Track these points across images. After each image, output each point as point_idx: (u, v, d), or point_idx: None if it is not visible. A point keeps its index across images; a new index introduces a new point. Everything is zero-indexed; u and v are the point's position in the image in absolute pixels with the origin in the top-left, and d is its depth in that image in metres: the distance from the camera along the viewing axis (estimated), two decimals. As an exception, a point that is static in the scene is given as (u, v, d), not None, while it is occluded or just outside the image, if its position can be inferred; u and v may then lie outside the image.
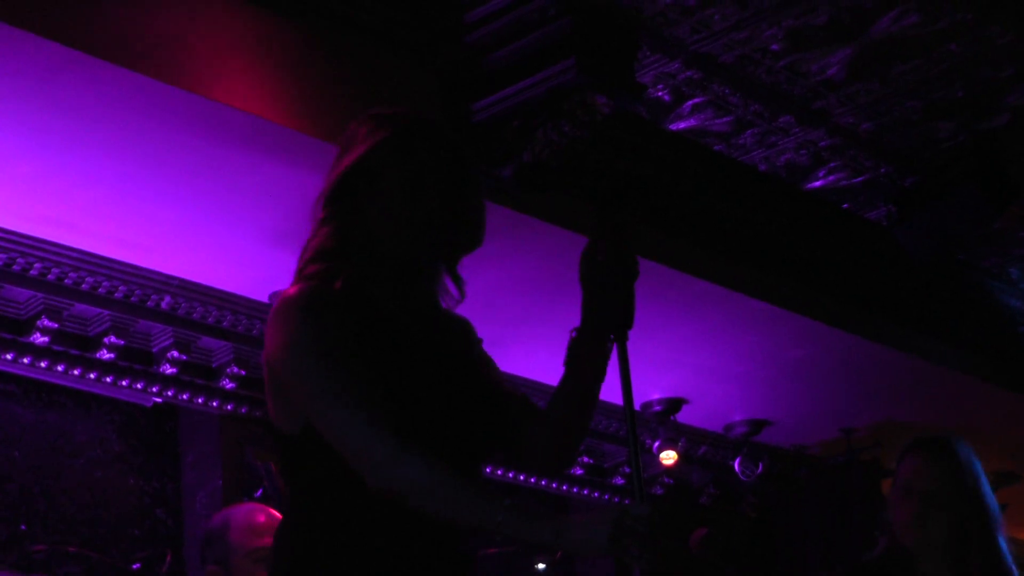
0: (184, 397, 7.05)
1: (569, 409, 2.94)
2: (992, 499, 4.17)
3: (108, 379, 6.77)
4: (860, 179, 7.67)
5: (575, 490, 9.06)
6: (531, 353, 7.90)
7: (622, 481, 9.21)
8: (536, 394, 8.57)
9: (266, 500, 6.21)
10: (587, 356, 3.02)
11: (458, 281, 3.12)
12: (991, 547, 4.11)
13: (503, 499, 2.74)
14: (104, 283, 6.55)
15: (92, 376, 6.72)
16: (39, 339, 6.50)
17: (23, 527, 6.44)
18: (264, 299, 6.97)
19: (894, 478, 4.23)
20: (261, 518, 5.01)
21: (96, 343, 6.69)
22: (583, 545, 2.70)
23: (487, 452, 3.01)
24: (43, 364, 6.57)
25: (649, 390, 8.62)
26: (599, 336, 2.95)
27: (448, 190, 3.03)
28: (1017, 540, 4.25)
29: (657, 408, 8.72)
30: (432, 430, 2.85)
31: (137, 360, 6.86)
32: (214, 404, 7.11)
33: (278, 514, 5.12)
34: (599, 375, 3.01)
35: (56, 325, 6.52)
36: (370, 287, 2.95)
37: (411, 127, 3.06)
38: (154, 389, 6.94)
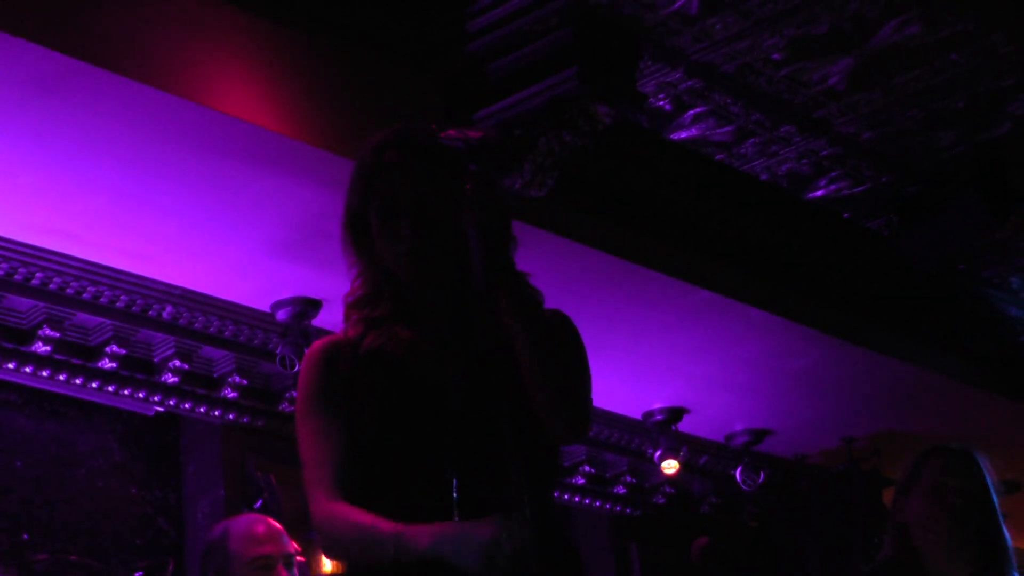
0: (186, 407, 7.05)
1: (521, 370, 2.87)
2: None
3: (110, 388, 6.77)
4: (861, 188, 7.66)
5: (576, 499, 9.06)
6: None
7: (624, 490, 9.21)
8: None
9: (266, 511, 6.21)
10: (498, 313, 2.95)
11: (512, 293, 3.00)
12: (1007, 551, 4.12)
13: (393, 536, 2.77)
14: (106, 293, 6.56)
15: (94, 385, 6.72)
16: (41, 348, 6.51)
17: (25, 536, 6.44)
18: (266, 308, 6.97)
19: (911, 482, 4.18)
20: (260, 528, 5.01)
21: (98, 353, 6.70)
22: (456, 560, 2.74)
23: (497, 467, 2.90)
24: (45, 373, 6.57)
25: (651, 399, 8.61)
26: (482, 291, 2.88)
27: (416, 213, 2.96)
28: (1016, 549, 4.24)
29: (659, 417, 8.72)
30: (406, 471, 2.86)
31: (139, 370, 6.86)
32: (216, 414, 7.11)
33: (277, 524, 5.12)
34: (516, 327, 2.87)
35: (58, 335, 6.52)
36: (392, 328, 2.95)
37: (371, 157, 3.02)
38: (156, 399, 6.94)
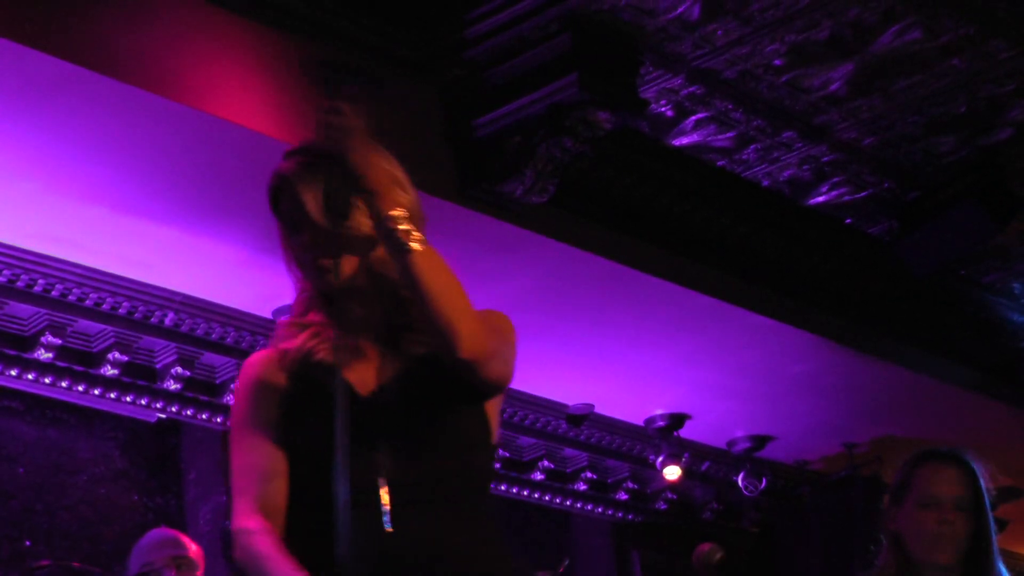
0: (188, 413, 7.05)
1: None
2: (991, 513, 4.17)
3: (111, 395, 6.78)
4: (862, 194, 7.67)
5: (578, 505, 9.06)
6: (531, 367, 7.91)
7: (625, 496, 9.21)
8: (536, 409, 8.62)
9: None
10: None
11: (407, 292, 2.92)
12: (995, 561, 4.10)
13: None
14: (108, 299, 6.56)
15: (96, 392, 6.73)
16: (43, 355, 6.51)
17: (27, 543, 6.44)
18: (267, 315, 6.97)
19: (902, 490, 4.16)
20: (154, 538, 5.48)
21: (100, 359, 6.70)
22: None
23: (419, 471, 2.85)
24: (47, 380, 6.58)
25: (652, 405, 8.61)
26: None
27: (312, 224, 2.94)
28: (1017, 555, 4.24)
29: (660, 423, 8.72)
30: (321, 480, 2.82)
31: (140, 376, 6.87)
32: (218, 420, 7.12)
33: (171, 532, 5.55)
34: (391, 254, 2.83)
35: (60, 341, 6.53)
36: (322, 335, 2.94)
37: (278, 171, 3.07)
38: (158, 405, 6.95)
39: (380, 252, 2.89)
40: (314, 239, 2.92)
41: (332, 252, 2.91)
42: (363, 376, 2.90)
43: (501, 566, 2.96)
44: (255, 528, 2.85)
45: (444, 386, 2.87)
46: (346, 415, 2.78)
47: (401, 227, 2.81)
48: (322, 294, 2.97)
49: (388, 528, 2.78)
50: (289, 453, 2.88)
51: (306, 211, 2.93)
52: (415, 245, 2.81)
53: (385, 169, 2.97)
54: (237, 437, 2.96)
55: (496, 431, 2.99)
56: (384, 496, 2.80)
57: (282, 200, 3.01)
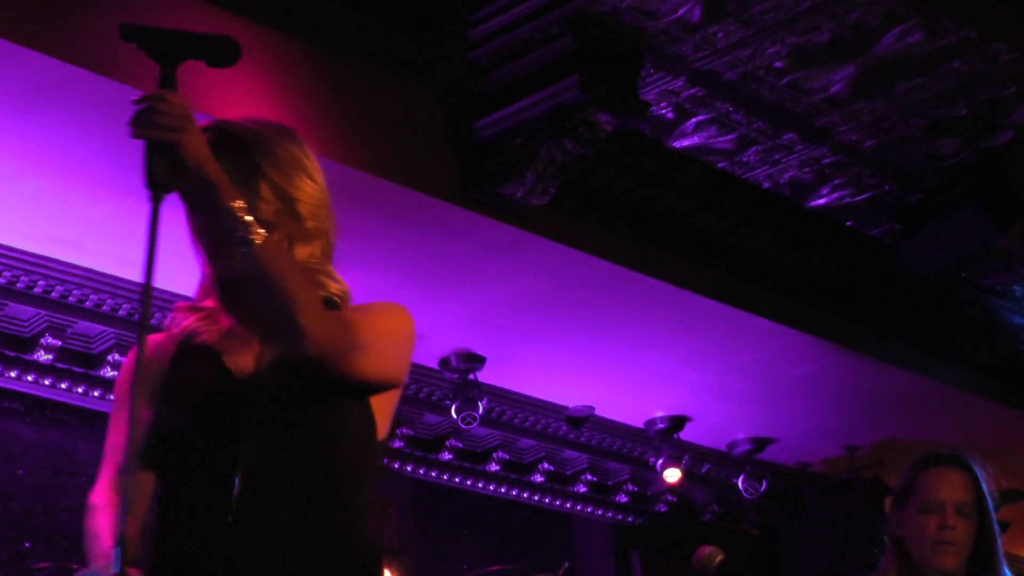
0: (188, 415, 7.04)
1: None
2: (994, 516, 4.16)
3: (112, 397, 6.76)
4: (864, 196, 7.66)
5: (578, 507, 9.06)
6: (531, 370, 7.91)
7: (625, 498, 9.20)
8: (536, 411, 8.62)
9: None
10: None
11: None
12: (999, 566, 4.09)
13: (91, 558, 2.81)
14: (108, 301, 6.56)
15: (96, 394, 6.72)
16: (43, 357, 6.51)
17: (27, 545, 6.44)
18: (267, 317, 6.97)
19: (905, 495, 4.15)
20: None
21: (100, 361, 6.70)
22: None
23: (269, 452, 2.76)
24: (47, 382, 6.58)
25: (653, 407, 8.61)
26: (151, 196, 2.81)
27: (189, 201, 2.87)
28: (1019, 558, 4.23)
29: (661, 426, 8.72)
30: (192, 462, 2.78)
31: (141, 377, 6.85)
32: (218, 422, 7.11)
33: None
34: (212, 241, 2.81)
35: (60, 343, 6.52)
36: (211, 319, 2.91)
37: None
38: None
39: (275, 239, 2.78)
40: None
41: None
42: (242, 363, 2.83)
43: (341, 566, 2.79)
44: (100, 504, 2.87)
45: (320, 379, 2.77)
46: (204, 400, 2.75)
47: (242, 221, 2.68)
48: (219, 278, 2.92)
49: (231, 520, 2.71)
50: (159, 437, 2.81)
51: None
52: (256, 239, 2.67)
53: (206, 160, 2.77)
54: (112, 415, 2.96)
55: (384, 427, 2.89)
56: (236, 485, 2.72)
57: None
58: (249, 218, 2.67)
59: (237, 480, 2.72)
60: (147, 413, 2.83)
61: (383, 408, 2.89)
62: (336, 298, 2.90)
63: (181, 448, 2.78)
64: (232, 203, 2.70)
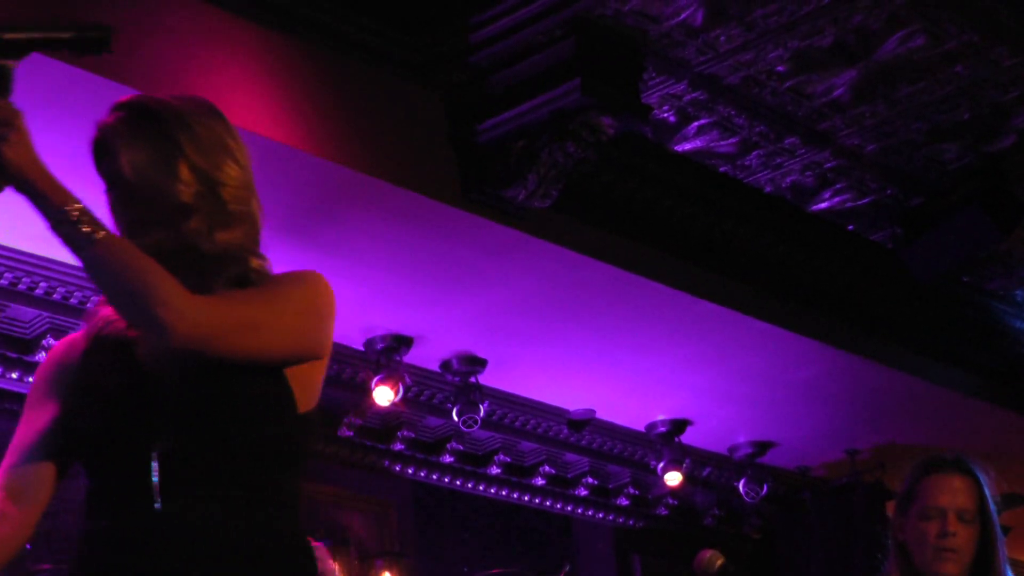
0: (189, 416, 7.04)
1: None
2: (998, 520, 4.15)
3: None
4: (865, 200, 7.66)
5: (579, 510, 9.05)
6: (533, 373, 7.91)
7: (627, 502, 9.20)
8: (537, 414, 8.62)
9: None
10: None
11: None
12: (1003, 572, 4.09)
13: None
14: (109, 302, 6.55)
15: (97, 395, 6.71)
16: (44, 358, 6.50)
17: (27, 546, 6.42)
18: (269, 319, 6.97)
19: (907, 500, 4.14)
20: None
21: (101, 362, 6.69)
22: None
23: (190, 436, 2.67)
24: (48, 383, 6.56)
25: (654, 411, 8.61)
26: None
27: (120, 184, 2.81)
28: (1020, 562, 4.22)
29: (662, 429, 8.71)
30: (109, 454, 2.73)
31: (142, 379, 6.85)
32: (219, 423, 7.11)
33: None
34: (72, 251, 2.66)
35: (61, 344, 6.52)
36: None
37: (101, 123, 2.93)
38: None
39: (193, 223, 2.72)
40: (124, 201, 2.78)
41: (141, 217, 2.75)
42: (152, 349, 2.70)
43: (269, 553, 2.67)
44: None
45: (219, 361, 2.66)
46: (116, 390, 2.67)
47: (78, 222, 2.61)
48: None
49: (157, 507, 2.62)
50: (71, 432, 2.77)
51: (120, 169, 2.79)
52: (98, 237, 2.59)
53: (37, 166, 2.72)
54: (23, 414, 2.89)
55: (306, 400, 2.75)
56: (156, 473, 2.63)
57: (103, 155, 2.86)
58: (86, 221, 2.60)
59: (155, 469, 2.63)
60: (49, 413, 2.80)
61: (302, 381, 2.74)
62: (253, 274, 2.78)
63: (98, 442, 2.72)
64: (65, 207, 2.64)
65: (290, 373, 2.72)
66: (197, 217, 2.73)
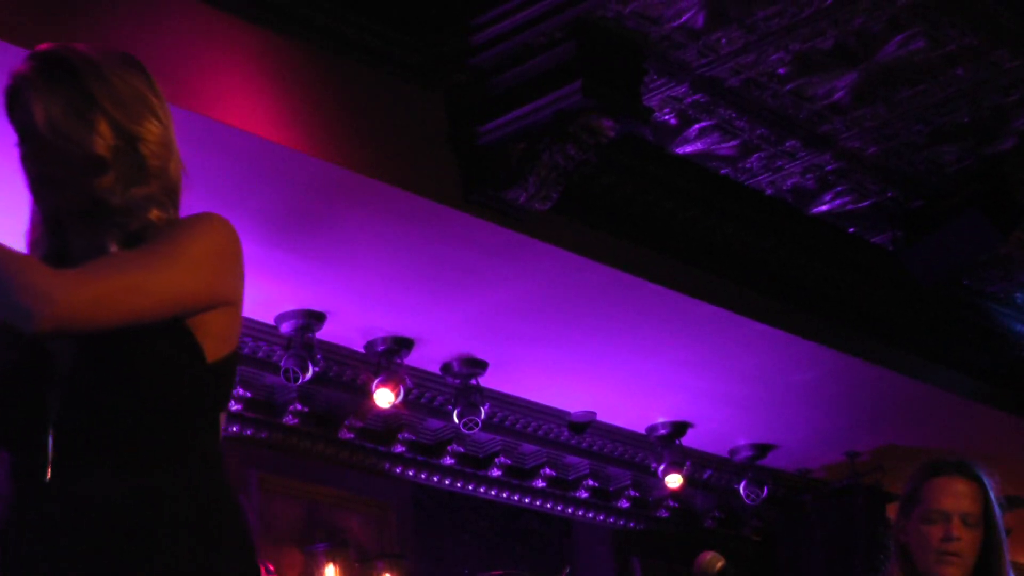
0: (189, 418, 7.04)
1: None
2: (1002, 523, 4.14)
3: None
4: (866, 203, 7.66)
5: (580, 513, 9.05)
6: (533, 375, 7.91)
7: (627, 504, 9.20)
8: (538, 416, 8.61)
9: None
10: None
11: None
12: (1005, 573, 4.08)
13: None
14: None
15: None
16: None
17: None
18: (270, 320, 6.97)
19: (910, 503, 4.12)
20: None
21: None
22: None
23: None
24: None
25: (654, 413, 8.61)
26: None
27: (30, 136, 2.65)
28: (1020, 564, 4.21)
29: (662, 431, 8.72)
30: (9, 425, 2.60)
31: (142, 381, 6.85)
32: (220, 425, 7.11)
33: None
34: None
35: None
36: None
37: (14, 72, 2.73)
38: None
39: (106, 180, 2.61)
40: (36, 152, 2.64)
41: (53, 169, 2.63)
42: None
43: (159, 517, 2.51)
44: None
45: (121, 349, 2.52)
46: (13, 360, 2.54)
47: None
48: (47, 218, 2.72)
49: (46, 480, 2.50)
50: None
51: (33, 120, 2.62)
52: None
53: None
54: None
55: (215, 348, 2.61)
56: (50, 443, 2.51)
57: (15, 106, 2.68)
58: None
59: (50, 438, 2.52)
60: None
61: (212, 328, 2.61)
62: (151, 228, 2.63)
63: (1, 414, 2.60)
64: None
65: (196, 323, 2.58)
66: (111, 173, 2.62)
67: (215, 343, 2.61)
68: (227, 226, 2.71)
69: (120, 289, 2.48)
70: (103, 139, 2.62)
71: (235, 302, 2.67)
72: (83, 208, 2.63)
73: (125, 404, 2.53)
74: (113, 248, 2.61)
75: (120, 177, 2.62)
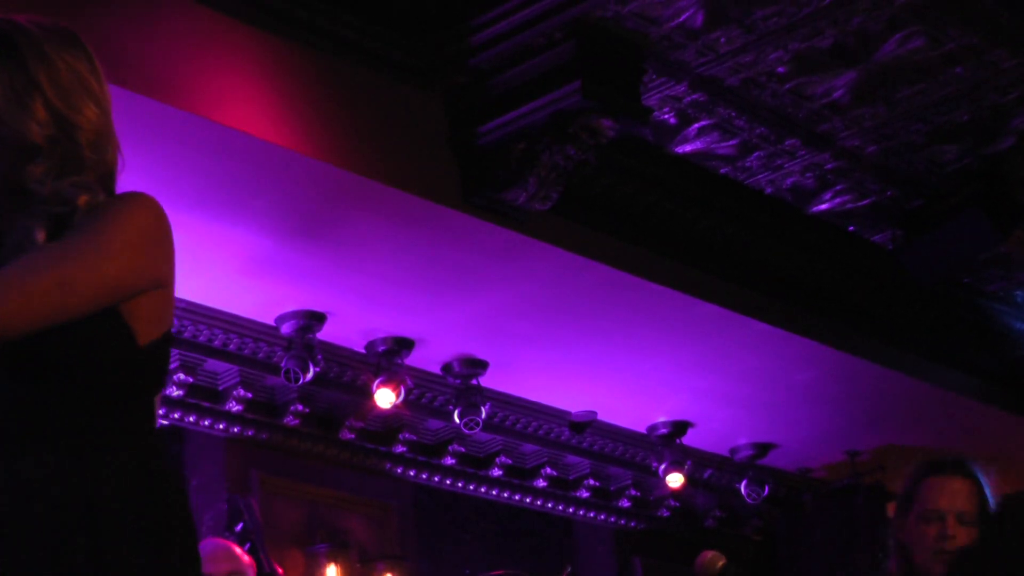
0: (190, 420, 7.05)
1: None
2: None
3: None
4: (866, 202, 7.67)
5: (580, 512, 9.05)
6: (534, 375, 7.91)
7: (628, 504, 9.20)
8: (538, 416, 8.62)
9: (246, 534, 6.16)
10: None
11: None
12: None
13: None
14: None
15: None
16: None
17: None
18: (271, 322, 6.98)
19: (908, 501, 4.13)
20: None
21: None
22: None
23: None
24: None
25: (655, 413, 8.61)
26: None
27: None
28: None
29: (663, 431, 8.71)
30: None
31: (142, 382, 6.85)
32: (220, 427, 7.11)
33: (224, 544, 5.23)
34: None
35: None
36: None
37: None
38: (160, 411, 6.93)
39: (38, 168, 2.50)
40: None
41: None
42: None
43: (89, 507, 2.43)
44: None
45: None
46: None
47: None
48: None
49: None
50: None
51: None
52: None
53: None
54: None
55: (147, 330, 2.56)
56: None
57: None
58: None
59: None
60: None
61: (143, 311, 2.55)
62: (78, 214, 2.53)
63: None
64: None
65: (126, 307, 2.52)
66: (43, 163, 2.52)
67: (146, 326, 2.55)
68: (154, 206, 2.62)
69: (48, 289, 2.40)
70: (39, 126, 2.52)
71: (166, 284, 2.63)
72: (9, 190, 2.52)
73: (56, 390, 2.45)
74: (39, 234, 2.50)
75: (51, 168, 2.52)
